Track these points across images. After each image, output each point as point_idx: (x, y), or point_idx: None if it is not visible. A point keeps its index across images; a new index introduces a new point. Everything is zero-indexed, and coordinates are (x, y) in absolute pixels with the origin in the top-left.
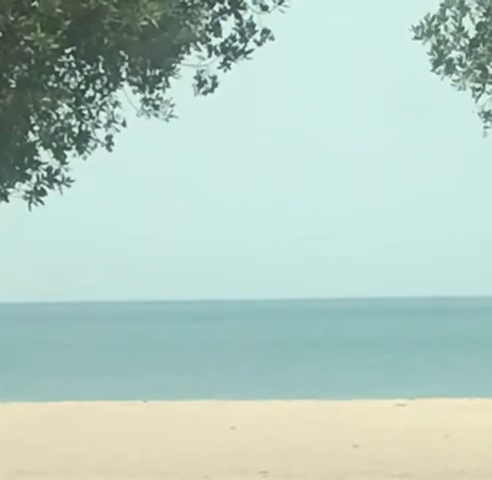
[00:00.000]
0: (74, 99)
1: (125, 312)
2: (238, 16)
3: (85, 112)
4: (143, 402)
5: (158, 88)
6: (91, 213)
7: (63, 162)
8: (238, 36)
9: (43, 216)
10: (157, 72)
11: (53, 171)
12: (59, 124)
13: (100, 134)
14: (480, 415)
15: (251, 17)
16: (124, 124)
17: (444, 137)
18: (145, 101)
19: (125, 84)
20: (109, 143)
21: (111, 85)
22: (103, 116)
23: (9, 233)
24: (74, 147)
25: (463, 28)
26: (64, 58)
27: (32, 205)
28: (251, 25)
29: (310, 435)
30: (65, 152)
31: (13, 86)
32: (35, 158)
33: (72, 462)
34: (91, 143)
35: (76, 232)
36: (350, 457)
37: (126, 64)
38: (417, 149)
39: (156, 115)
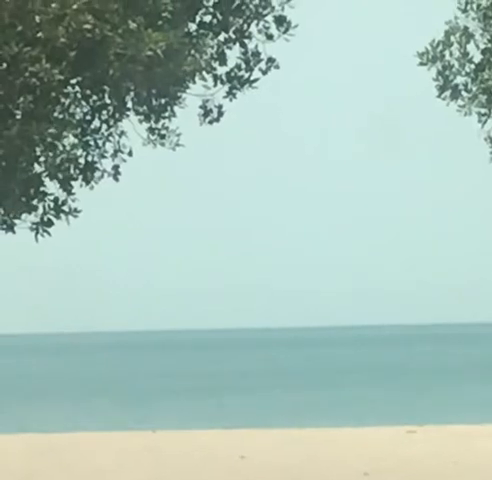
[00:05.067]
0: (80, 130)
1: (125, 342)
2: (243, 45)
3: (91, 142)
4: (152, 432)
5: (164, 117)
6: (95, 243)
7: (69, 193)
8: (243, 65)
9: (44, 243)
10: (163, 101)
11: (60, 202)
12: (65, 155)
13: (106, 164)
14: (490, 442)
15: (256, 46)
16: (130, 154)
17: (442, 165)
18: (151, 130)
19: (131, 114)
20: (116, 173)
21: (117, 115)
22: (109, 146)
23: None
24: (80, 178)
25: (468, 54)
26: (69, 89)
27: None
28: (256, 54)
29: (320, 463)
30: (71, 183)
31: (18, 117)
32: (41, 189)
33: None
34: (97, 173)
35: (80, 260)
36: None
37: (132, 94)
38: (416, 178)
39: (162, 144)
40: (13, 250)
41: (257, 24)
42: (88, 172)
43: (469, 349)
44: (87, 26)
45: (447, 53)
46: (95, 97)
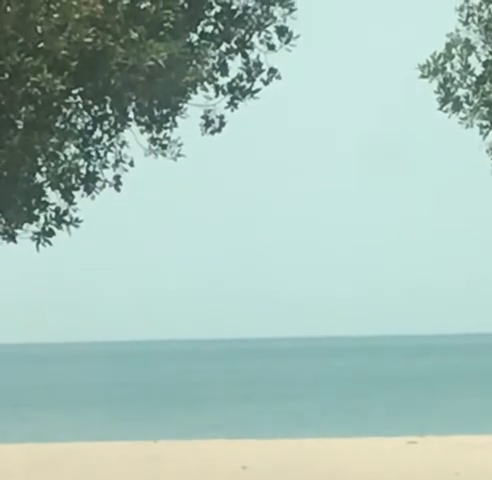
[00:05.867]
0: (81, 140)
1: (126, 351)
2: (245, 56)
3: (93, 153)
4: (154, 442)
5: (165, 128)
6: (96, 252)
7: (71, 203)
8: (245, 75)
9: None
10: (164, 112)
11: (61, 212)
12: (67, 165)
13: (108, 174)
14: (491, 452)
15: (258, 56)
16: (132, 164)
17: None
18: (153, 141)
19: (133, 124)
20: (117, 183)
21: (118, 125)
22: (111, 156)
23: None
24: (82, 187)
25: (469, 66)
26: (71, 99)
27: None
28: (258, 64)
29: (321, 474)
30: (73, 193)
31: (20, 127)
32: (43, 199)
33: None
34: (99, 183)
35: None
36: None
37: (133, 104)
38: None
39: (164, 154)
40: (12, 258)
41: (259, 34)
42: (89, 182)
43: (470, 359)
44: (88, 39)
45: (448, 65)
46: (97, 107)
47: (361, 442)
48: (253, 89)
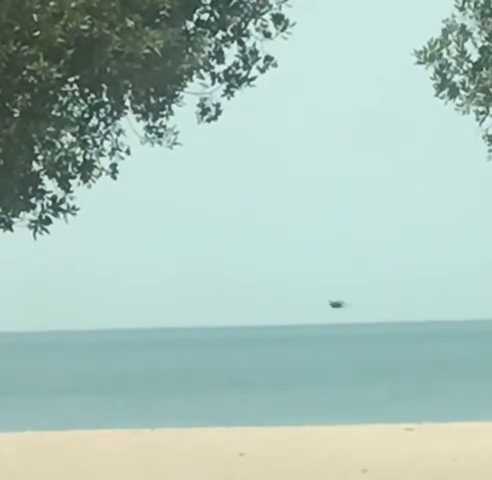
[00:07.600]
0: (78, 128)
1: (125, 340)
2: (241, 43)
3: (89, 141)
4: (151, 430)
5: (162, 116)
6: (93, 241)
7: (68, 191)
8: (241, 63)
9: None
10: (160, 100)
11: (58, 200)
12: (63, 153)
13: (104, 162)
14: (488, 439)
15: (254, 44)
16: (128, 152)
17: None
18: (149, 129)
19: (129, 112)
20: (113, 171)
21: (115, 113)
22: (107, 144)
23: None
24: (79, 176)
25: (466, 52)
26: (67, 87)
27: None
28: (254, 52)
29: (319, 461)
30: (69, 181)
31: (17, 115)
32: (39, 187)
33: None
34: (95, 171)
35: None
36: None
37: (129, 92)
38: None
39: (160, 143)
40: (9, 247)
41: (255, 22)
42: (86, 170)
43: (467, 346)
44: (84, 27)
45: (445, 52)
46: (93, 95)
47: (358, 429)
48: (249, 77)
